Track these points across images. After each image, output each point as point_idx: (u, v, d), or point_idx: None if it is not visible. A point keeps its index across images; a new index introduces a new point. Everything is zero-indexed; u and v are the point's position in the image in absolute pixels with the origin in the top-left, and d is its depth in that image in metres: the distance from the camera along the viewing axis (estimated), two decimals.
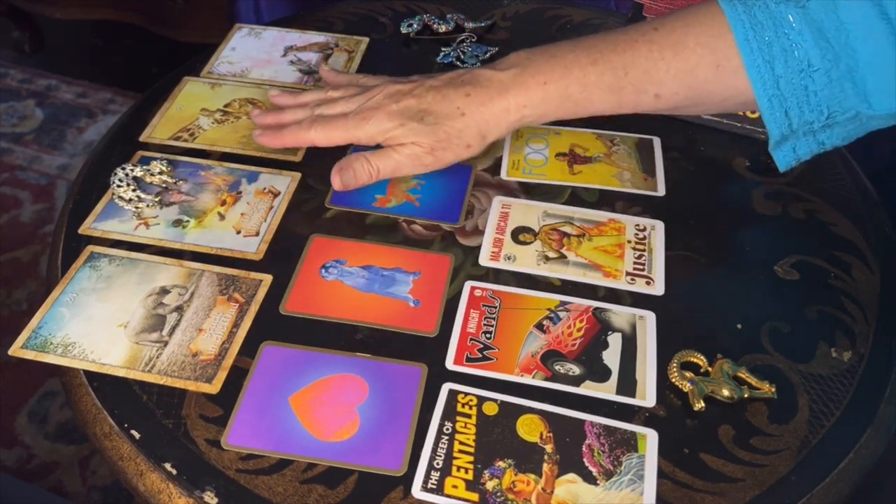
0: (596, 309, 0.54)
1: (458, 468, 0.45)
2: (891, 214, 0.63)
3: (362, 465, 0.46)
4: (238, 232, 0.59)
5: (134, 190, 0.61)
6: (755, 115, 0.67)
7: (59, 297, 0.54)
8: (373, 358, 0.51)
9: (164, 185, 0.62)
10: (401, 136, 0.59)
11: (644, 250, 0.58)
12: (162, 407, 0.48)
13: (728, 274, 0.57)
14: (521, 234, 0.60)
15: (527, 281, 0.56)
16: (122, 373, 0.50)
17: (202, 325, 0.53)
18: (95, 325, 0.53)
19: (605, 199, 0.63)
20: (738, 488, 0.45)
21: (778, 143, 0.53)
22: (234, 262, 0.57)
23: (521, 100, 0.57)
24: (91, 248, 0.58)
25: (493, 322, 0.53)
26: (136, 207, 0.60)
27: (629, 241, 0.59)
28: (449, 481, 0.45)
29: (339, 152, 0.65)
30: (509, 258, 0.58)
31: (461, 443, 0.47)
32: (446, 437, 0.47)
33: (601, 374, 0.50)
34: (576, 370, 0.51)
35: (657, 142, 0.68)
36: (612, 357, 0.51)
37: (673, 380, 0.50)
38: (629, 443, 0.47)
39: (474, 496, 0.44)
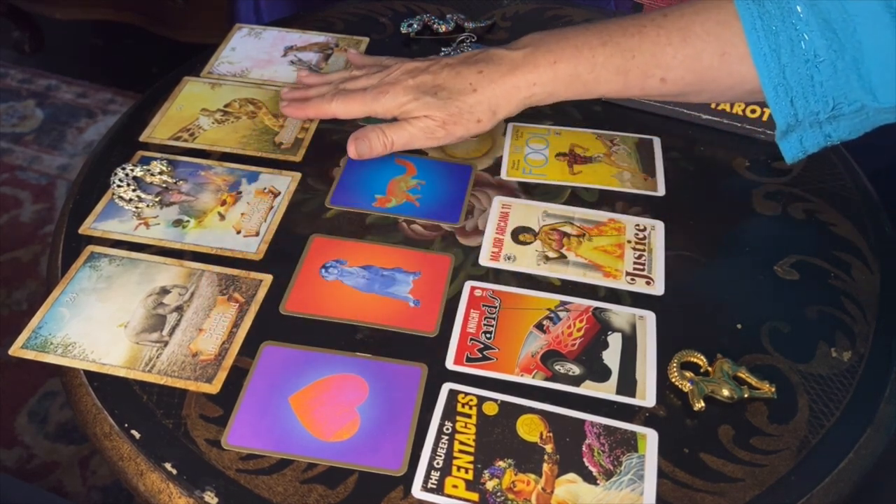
0: (596, 309, 0.54)
1: (459, 468, 0.45)
2: (891, 214, 0.63)
3: (362, 465, 0.46)
4: (238, 232, 0.59)
5: (134, 190, 0.61)
6: (755, 116, 0.68)
7: (60, 297, 0.54)
8: (373, 358, 0.51)
9: (164, 185, 0.62)
10: (415, 110, 0.61)
11: (644, 250, 0.58)
12: (162, 407, 0.48)
13: (728, 274, 0.57)
14: (521, 234, 0.60)
15: (527, 281, 0.56)
16: (122, 373, 0.50)
17: (202, 325, 0.53)
18: (95, 325, 0.53)
19: (605, 199, 0.63)
20: (738, 488, 0.45)
21: (784, 134, 0.53)
22: (234, 262, 0.57)
23: (531, 77, 0.59)
24: (91, 248, 0.58)
25: (493, 322, 0.53)
26: (137, 207, 0.60)
27: (629, 241, 0.59)
28: (449, 481, 0.45)
29: (338, 151, 0.65)
30: (509, 258, 0.58)
31: (461, 443, 0.47)
32: (446, 437, 0.47)
33: (601, 374, 0.50)
34: (576, 370, 0.51)
35: (657, 142, 0.68)
36: (612, 357, 0.51)
37: (673, 380, 0.50)
38: (629, 443, 0.47)
39: (474, 496, 0.44)
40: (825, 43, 0.49)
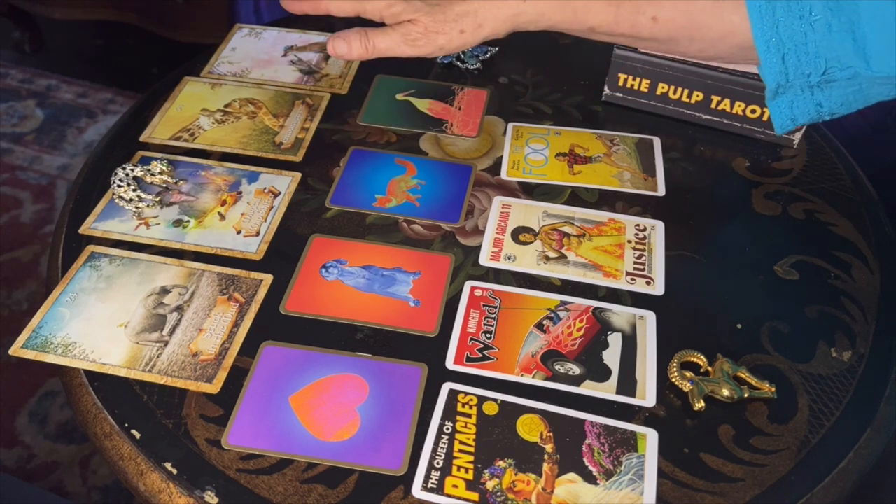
0: (596, 309, 0.54)
1: (459, 468, 0.45)
2: (891, 214, 0.63)
3: (362, 465, 0.46)
4: (238, 232, 0.59)
5: (134, 190, 0.61)
6: (755, 116, 0.68)
7: (60, 297, 0.54)
8: (373, 358, 0.51)
9: (164, 185, 0.62)
10: (402, 13, 0.60)
11: (644, 250, 0.58)
12: (162, 407, 0.48)
13: (728, 274, 0.57)
14: (521, 234, 0.60)
15: (527, 281, 0.56)
16: (122, 373, 0.50)
17: (202, 325, 0.53)
18: (96, 325, 0.53)
19: (605, 199, 0.63)
20: (738, 488, 0.45)
21: (775, 94, 0.53)
22: (234, 262, 0.57)
23: None
24: (91, 248, 0.58)
25: (494, 322, 0.53)
26: (137, 207, 0.60)
27: (629, 241, 0.59)
28: (449, 481, 0.45)
29: (338, 151, 0.65)
30: (509, 258, 0.58)
31: (461, 442, 0.47)
32: (446, 437, 0.47)
33: (601, 374, 0.50)
34: (576, 370, 0.51)
35: (657, 142, 0.68)
36: (612, 357, 0.51)
37: (673, 380, 0.50)
38: (629, 443, 0.47)
39: (474, 496, 0.44)
40: (822, 1, 0.49)
